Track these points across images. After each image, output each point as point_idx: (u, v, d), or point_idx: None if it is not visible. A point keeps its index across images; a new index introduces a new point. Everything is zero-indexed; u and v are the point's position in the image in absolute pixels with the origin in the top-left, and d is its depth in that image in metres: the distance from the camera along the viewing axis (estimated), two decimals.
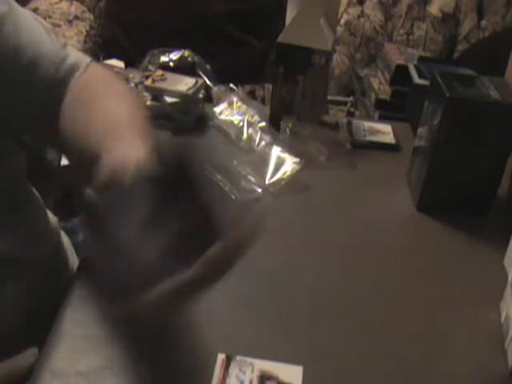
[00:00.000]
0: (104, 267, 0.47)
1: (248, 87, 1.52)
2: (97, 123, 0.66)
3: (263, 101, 1.48)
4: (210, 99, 1.21)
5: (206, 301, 0.71)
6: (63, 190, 1.08)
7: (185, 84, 1.04)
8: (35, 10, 1.63)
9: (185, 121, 1.04)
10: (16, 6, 0.69)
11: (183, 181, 0.46)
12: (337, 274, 0.79)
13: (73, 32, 1.63)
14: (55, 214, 0.94)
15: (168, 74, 1.06)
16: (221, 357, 0.64)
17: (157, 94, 1.04)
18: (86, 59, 0.75)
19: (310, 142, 1.01)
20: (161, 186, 0.45)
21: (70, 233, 0.96)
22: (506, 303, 0.73)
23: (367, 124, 1.13)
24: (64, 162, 0.79)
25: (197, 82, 1.05)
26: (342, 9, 1.86)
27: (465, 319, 0.74)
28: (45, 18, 1.60)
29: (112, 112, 0.68)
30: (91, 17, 1.76)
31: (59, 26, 1.61)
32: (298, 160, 0.95)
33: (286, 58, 1.01)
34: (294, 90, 1.03)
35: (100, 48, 1.74)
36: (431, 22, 1.91)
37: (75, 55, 0.75)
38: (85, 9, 1.76)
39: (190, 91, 1.03)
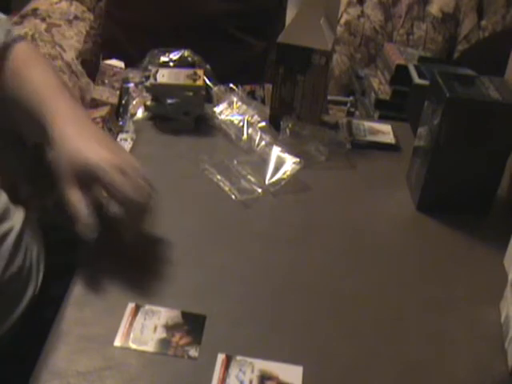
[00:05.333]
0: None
1: (248, 87, 1.51)
2: (33, 84, 0.81)
3: (263, 101, 1.48)
4: (210, 99, 1.21)
5: (206, 301, 0.71)
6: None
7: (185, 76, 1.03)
8: (35, 10, 1.63)
9: (185, 121, 1.04)
10: None
11: None
12: (337, 274, 0.79)
13: (73, 32, 1.63)
14: (55, 213, 0.93)
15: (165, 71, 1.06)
16: (221, 357, 0.64)
17: (157, 94, 1.04)
18: (23, 37, 0.90)
19: (310, 142, 1.01)
20: None
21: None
22: (505, 303, 0.73)
23: (367, 124, 1.13)
24: None
25: (195, 72, 1.04)
26: (341, 9, 1.86)
27: (465, 319, 0.74)
28: (45, 18, 1.60)
29: (42, 78, 0.83)
30: (91, 17, 1.76)
31: (59, 25, 1.61)
32: (297, 160, 0.95)
33: (286, 58, 1.01)
34: (294, 89, 1.03)
35: (100, 48, 1.74)
36: (431, 22, 1.91)
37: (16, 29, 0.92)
38: (85, 9, 1.76)
39: (190, 93, 1.03)
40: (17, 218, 0.80)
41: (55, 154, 0.74)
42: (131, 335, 0.66)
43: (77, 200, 0.71)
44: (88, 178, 0.72)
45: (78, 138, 0.74)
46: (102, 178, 0.71)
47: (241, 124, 1.04)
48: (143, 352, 0.64)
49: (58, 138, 0.74)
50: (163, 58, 1.36)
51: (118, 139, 1.33)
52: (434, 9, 1.92)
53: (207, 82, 1.23)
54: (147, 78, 1.08)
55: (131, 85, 1.41)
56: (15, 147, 0.88)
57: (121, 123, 1.37)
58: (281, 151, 0.97)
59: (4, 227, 0.77)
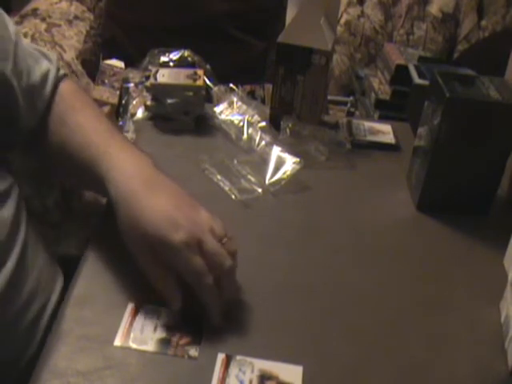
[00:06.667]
0: None
1: (248, 87, 1.51)
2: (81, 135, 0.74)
3: (263, 101, 1.48)
4: (210, 99, 1.21)
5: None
6: (63, 190, 1.08)
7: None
8: (35, 10, 1.63)
9: (185, 121, 1.04)
10: (18, 39, 0.75)
11: None
12: (337, 274, 0.79)
13: (73, 32, 1.63)
14: (55, 213, 0.93)
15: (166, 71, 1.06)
16: (221, 357, 0.64)
17: (157, 94, 1.04)
18: (63, 70, 0.83)
19: (310, 141, 1.01)
20: None
21: None
22: (505, 303, 0.73)
23: (367, 124, 1.13)
24: None
25: (195, 72, 1.04)
26: (342, 9, 1.86)
27: (465, 319, 0.74)
28: (45, 18, 1.59)
29: (90, 124, 0.76)
30: (91, 17, 1.76)
31: (59, 25, 1.61)
32: (297, 160, 0.95)
33: (286, 58, 1.01)
34: (294, 89, 1.03)
35: (100, 48, 1.74)
36: (431, 22, 1.91)
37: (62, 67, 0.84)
38: (85, 9, 1.76)
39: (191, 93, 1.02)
40: (54, 288, 0.77)
41: (122, 221, 0.67)
42: (131, 335, 0.66)
43: (162, 281, 0.67)
44: (164, 255, 0.66)
45: (145, 200, 0.67)
46: (178, 262, 0.65)
47: (241, 124, 1.04)
48: (143, 352, 0.64)
49: (122, 200, 0.67)
50: (163, 58, 1.36)
51: None
52: (433, 9, 1.92)
53: (207, 82, 1.23)
54: (147, 77, 1.08)
55: (131, 85, 1.41)
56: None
57: (121, 123, 1.36)
58: (281, 151, 0.97)
59: (38, 303, 0.74)
